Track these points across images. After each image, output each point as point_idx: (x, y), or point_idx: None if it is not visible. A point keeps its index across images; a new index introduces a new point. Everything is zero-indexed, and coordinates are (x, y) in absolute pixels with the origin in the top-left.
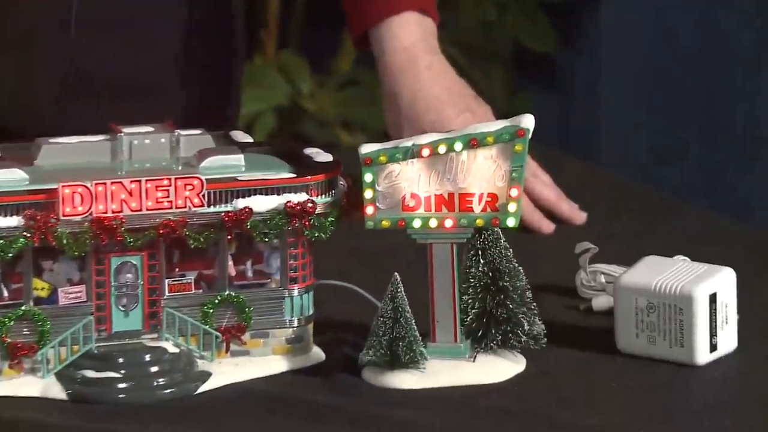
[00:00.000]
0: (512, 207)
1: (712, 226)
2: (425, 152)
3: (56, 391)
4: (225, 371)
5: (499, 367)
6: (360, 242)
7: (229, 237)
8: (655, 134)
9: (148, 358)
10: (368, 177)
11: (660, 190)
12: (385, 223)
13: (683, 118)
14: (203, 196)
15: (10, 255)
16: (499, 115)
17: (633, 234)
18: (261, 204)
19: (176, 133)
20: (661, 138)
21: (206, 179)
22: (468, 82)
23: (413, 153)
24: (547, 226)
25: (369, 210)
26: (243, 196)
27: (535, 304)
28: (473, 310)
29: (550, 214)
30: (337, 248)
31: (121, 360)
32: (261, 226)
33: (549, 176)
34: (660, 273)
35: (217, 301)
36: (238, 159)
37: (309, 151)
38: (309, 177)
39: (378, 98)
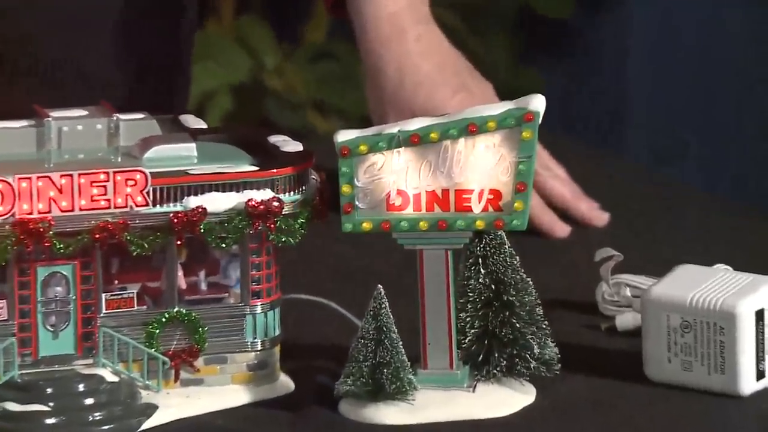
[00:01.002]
0: (519, 206)
1: (755, 230)
2: (414, 140)
3: None
4: (174, 404)
5: (504, 399)
6: (336, 248)
7: (178, 242)
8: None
9: (81, 388)
10: (346, 170)
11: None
12: (366, 226)
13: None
14: (147, 193)
15: None
16: (503, 94)
17: (663, 237)
18: (217, 203)
19: (115, 118)
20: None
21: (151, 173)
22: (465, 54)
23: (399, 141)
24: (562, 229)
25: (347, 210)
26: (195, 194)
27: (546, 322)
28: (472, 330)
29: (564, 214)
30: (309, 256)
31: (49, 390)
32: (217, 229)
33: (563, 169)
34: (696, 285)
35: (164, 319)
36: (189, 149)
37: (274, 139)
38: (275, 170)
39: (357, 75)
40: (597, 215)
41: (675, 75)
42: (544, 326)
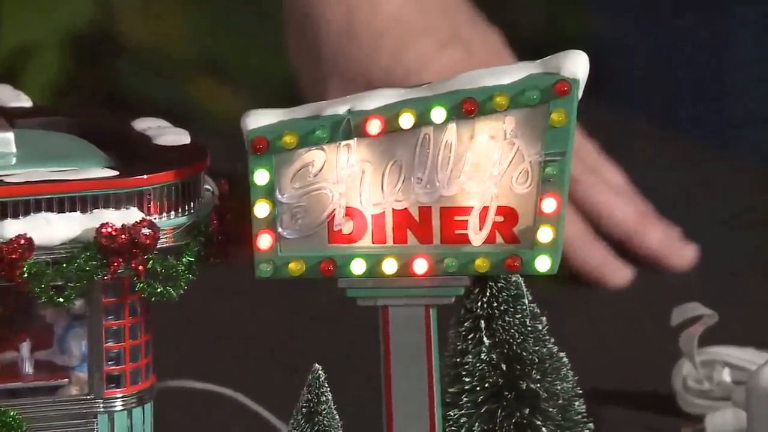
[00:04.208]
0: (546, 234)
1: None
2: (373, 126)
3: None
4: None
5: None
6: (245, 304)
7: None
8: None
9: None
10: (261, 177)
11: None
12: (295, 268)
13: None
14: None
15: None
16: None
17: None
18: (50, 230)
19: None
20: None
21: None
22: None
23: (350, 128)
24: (618, 274)
25: (263, 242)
26: (15, 216)
27: (592, 425)
28: None
29: (623, 248)
30: (202, 317)
31: None
32: (49, 274)
33: (620, 174)
34: None
35: None
36: (5, 141)
37: (143, 124)
38: (144, 176)
39: (274, 17)
40: (678, 250)
41: None
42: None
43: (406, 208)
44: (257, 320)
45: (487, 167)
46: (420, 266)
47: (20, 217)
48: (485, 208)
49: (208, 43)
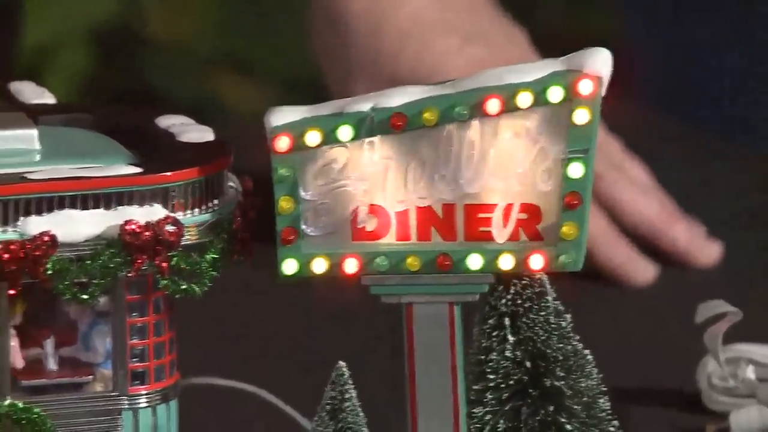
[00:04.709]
0: (570, 231)
1: None
2: (397, 123)
3: None
4: None
5: None
6: (270, 301)
7: (11, 292)
8: None
9: None
10: (285, 173)
11: None
12: (319, 265)
13: None
14: None
15: None
16: (545, 46)
17: None
18: (74, 227)
19: None
20: None
21: None
22: None
23: (373, 125)
24: (643, 271)
25: (287, 239)
26: (38, 212)
27: (616, 422)
28: None
29: (647, 245)
30: (226, 313)
31: None
32: (73, 270)
33: (644, 171)
34: None
35: None
36: (28, 138)
37: (167, 121)
38: (168, 173)
39: (296, 12)
40: (702, 247)
41: None
42: (612, 429)
43: (429, 206)
44: (280, 317)
45: (510, 164)
46: (443, 263)
47: (44, 214)
48: (509, 206)
49: (232, 38)
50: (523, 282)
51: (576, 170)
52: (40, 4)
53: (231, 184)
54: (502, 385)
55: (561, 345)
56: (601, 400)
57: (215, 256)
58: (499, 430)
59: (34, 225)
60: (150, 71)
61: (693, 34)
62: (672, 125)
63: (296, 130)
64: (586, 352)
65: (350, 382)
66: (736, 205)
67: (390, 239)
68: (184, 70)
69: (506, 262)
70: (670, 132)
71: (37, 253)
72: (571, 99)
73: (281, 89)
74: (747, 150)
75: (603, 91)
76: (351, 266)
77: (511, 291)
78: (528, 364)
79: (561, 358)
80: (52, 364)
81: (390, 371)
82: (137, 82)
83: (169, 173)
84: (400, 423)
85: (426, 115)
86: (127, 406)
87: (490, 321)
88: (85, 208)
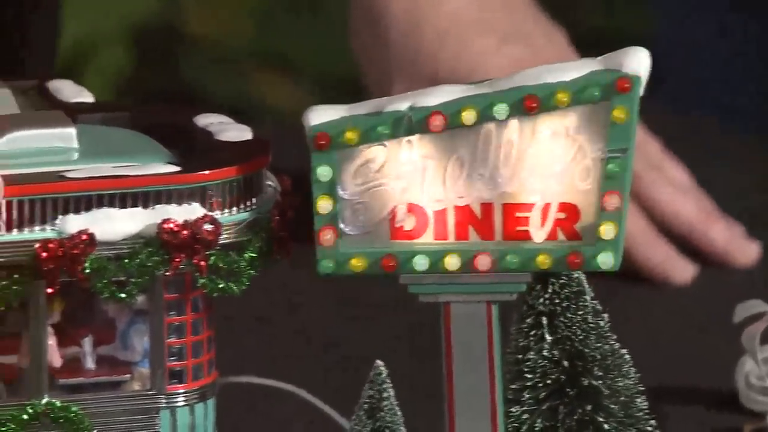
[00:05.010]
0: (608, 231)
1: None
2: (435, 123)
3: None
4: None
5: None
6: (308, 299)
7: (49, 291)
8: None
9: None
10: (324, 172)
11: None
12: (357, 264)
13: None
14: None
15: None
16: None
17: None
18: (112, 226)
19: None
20: None
21: (2, 176)
22: None
23: (411, 124)
24: (681, 271)
25: (325, 238)
26: (76, 211)
27: (653, 422)
28: None
29: (685, 245)
30: (263, 312)
31: None
32: (111, 269)
33: (683, 171)
34: None
35: (26, 416)
36: (67, 136)
37: (205, 120)
38: (206, 172)
39: (333, 9)
40: (741, 247)
41: None
42: (649, 428)
43: (467, 205)
44: (318, 315)
45: (548, 164)
46: (482, 263)
47: (82, 212)
48: (547, 205)
49: (271, 36)
50: (561, 281)
51: (615, 169)
52: (79, 3)
53: (269, 182)
54: (540, 385)
55: (599, 344)
56: (639, 400)
57: (253, 254)
58: (536, 429)
59: (73, 223)
60: (189, 70)
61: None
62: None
63: (335, 129)
64: (624, 351)
65: (388, 381)
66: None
67: (428, 238)
68: (223, 68)
69: (544, 262)
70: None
71: (76, 252)
72: (610, 98)
73: (321, 88)
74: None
75: (641, 91)
76: (389, 265)
77: (549, 290)
78: (565, 363)
79: (599, 357)
80: (90, 363)
81: (429, 370)
82: (176, 81)
83: (207, 172)
84: (439, 422)
85: (464, 114)
86: (164, 405)
87: (528, 320)
88: (123, 206)
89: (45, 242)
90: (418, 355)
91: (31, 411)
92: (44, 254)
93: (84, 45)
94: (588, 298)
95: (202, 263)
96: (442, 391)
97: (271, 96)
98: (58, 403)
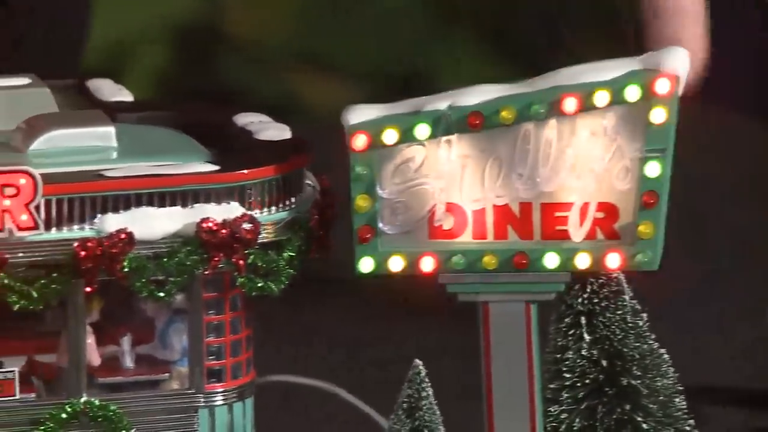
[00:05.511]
0: (647, 230)
1: None
2: (474, 122)
3: None
4: None
5: None
6: (347, 299)
7: (88, 290)
8: None
9: None
10: (362, 171)
11: None
12: (396, 263)
13: None
14: (36, 208)
15: None
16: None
17: None
18: (150, 225)
19: None
20: None
21: (41, 175)
22: None
23: (450, 123)
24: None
25: (364, 237)
26: (115, 210)
27: (692, 422)
28: None
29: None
30: (302, 312)
31: None
32: (150, 268)
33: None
34: None
35: (65, 415)
36: (106, 135)
37: (244, 119)
38: (245, 171)
39: (374, 4)
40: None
41: None
42: (688, 428)
43: (506, 204)
44: (355, 315)
45: (587, 163)
46: (520, 262)
47: (121, 211)
48: (586, 204)
49: (312, 35)
50: (600, 281)
51: (653, 169)
52: (118, 2)
53: (308, 182)
54: (578, 384)
55: (637, 344)
56: (677, 399)
57: (292, 254)
58: (575, 428)
59: (111, 222)
60: (228, 69)
61: None
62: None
63: (373, 128)
64: (663, 351)
65: (426, 380)
66: None
67: (467, 238)
68: (262, 67)
69: (583, 261)
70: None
71: (114, 251)
72: (649, 98)
73: (360, 87)
74: None
75: (680, 91)
76: (428, 264)
77: (588, 290)
78: (604, 362)
79: (637, 356)
80: (128, 362)
81: (468, 369)
82: (215, 80)
83: (246, 171)
84: (478, 421)
85: (503, 113)
86: (203, 404)
87: (567, 320)
88: (162, 205)
89: (84, 241)
90: (458, 354)
91: (69, 410)
92: (83, 253)
93: (123, 44)
94: (627, 297)
95: (241, 262)
96: (481, 390)
97: (311, 95)
98: (96, 402)
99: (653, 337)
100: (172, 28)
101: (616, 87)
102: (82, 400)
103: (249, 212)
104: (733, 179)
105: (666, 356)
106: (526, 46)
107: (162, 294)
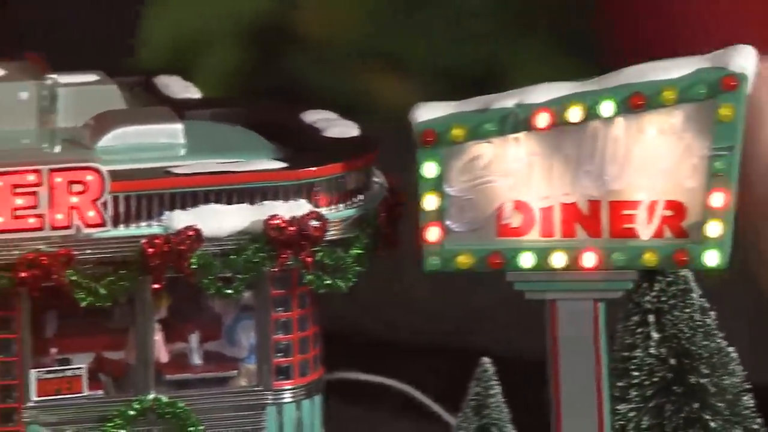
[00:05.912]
0: (715, 229)
1: None
2: (541, 120)
3: None
4: None
5: None
6: (416, 295)
7: (156, 286)
8: None
9: None
10: (429, 170)
11: None
12: (464, 261)
13: None
14: (104, 204)
15: None
16: None
17: None
18: (218, 222)
19: (49, 79)
20: None
21: (109, 172)
22: None
23: (518, 121)
24: None
25: (432, 235)
26: (183, 207)
27: (760, 420)
28: (644, 431)
29: None
30: (373, 308)
31: None
32: (218, 265)
33: None
34: None
35: (133, 412)
36: (173, 132)
37: (312, 116)
38: (312, 168)
39: (444, 3)
40: None
41: None
42: (756, 426)
43: (574, 202)
44: (425, 310)
45: (655, 161)
46: (589, 260)
47: (188, 208)
48: (653, 202)
49: (383, 33)
50: (668, 279)
51: (721, 167)
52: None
53: (376, 179)
54: (646, 382)
55: (705, 342)
56: (745, 398)
57: (360, 251)
58: (643, 426)
59: (179, 219)
60: (299, 68)
61: None
62: None
63: (441, 126)
64: (731, 349)
65: (495, 378)
66: None
67: (534, 235)
68: (332, 66)
69: (651, 259)
70: None
71: (182, 248)
72: (716, 96)
73: (429, 85)
74: None
75: (749, 89)
76: (495, 262)
77: (656, 288)
78: (672, 361)
79: (705, 355)
80: (196, 359)
81: (536, 367)
82: (284, 78)
83: (313, 168)
84: (546, 419)
85: (571, 111)
86: (271, 401)
87: (634, 318)
88: (229, 202)
89: (151, 238)
90: (526, 351)
91: (137, 406)
92: (151, 250)
93: (193, 41)
94: (695, 295)
95: (309, 259)
96: (548, 388)
97: (382, 94)
98: (164, 399)
99: (721, 335)
100: (243, 27)
101: (683, 85)
102: (150, 397)
103: (316, 209)
104: None
105: (734, 354)
106: (597, 47)
107: (230, 291)
